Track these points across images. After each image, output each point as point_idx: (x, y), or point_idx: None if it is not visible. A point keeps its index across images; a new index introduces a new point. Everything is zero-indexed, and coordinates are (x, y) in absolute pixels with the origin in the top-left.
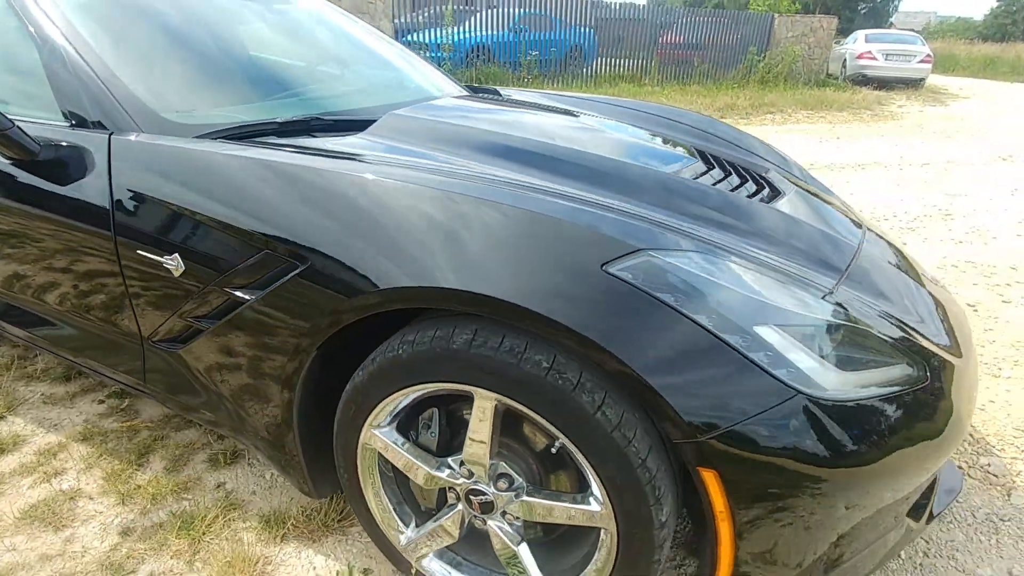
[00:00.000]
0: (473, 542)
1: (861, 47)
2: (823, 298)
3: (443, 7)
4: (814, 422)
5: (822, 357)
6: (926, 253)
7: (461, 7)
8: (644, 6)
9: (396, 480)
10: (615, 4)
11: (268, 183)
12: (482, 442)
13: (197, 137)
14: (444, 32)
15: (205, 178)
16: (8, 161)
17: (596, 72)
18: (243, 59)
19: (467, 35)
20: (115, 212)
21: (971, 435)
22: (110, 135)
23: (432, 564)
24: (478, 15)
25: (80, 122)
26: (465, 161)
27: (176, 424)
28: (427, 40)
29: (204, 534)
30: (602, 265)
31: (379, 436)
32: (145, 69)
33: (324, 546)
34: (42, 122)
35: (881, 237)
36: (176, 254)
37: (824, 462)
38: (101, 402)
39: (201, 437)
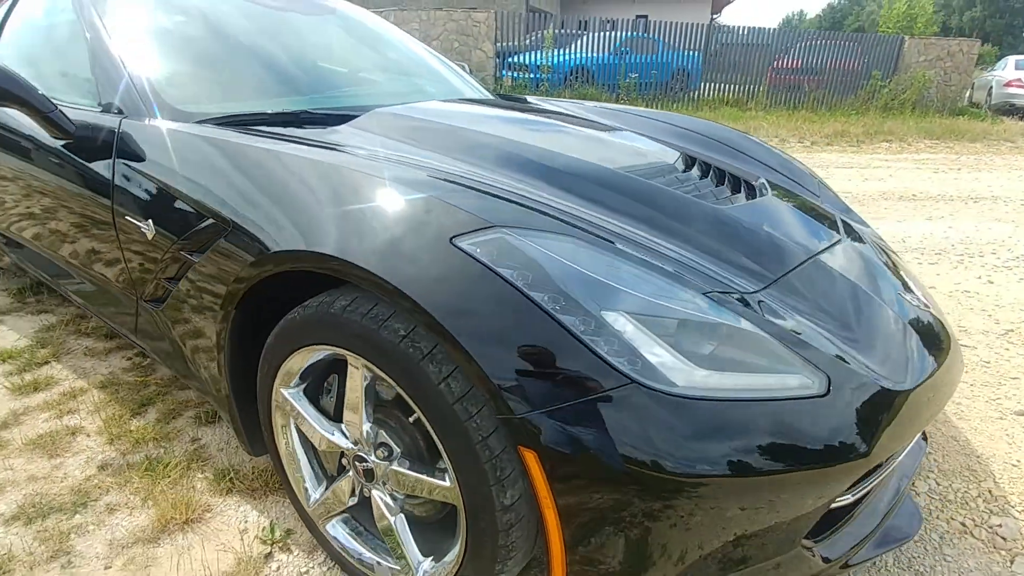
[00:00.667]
0: (371, 512)
1: (1010, 74)
2: (706, 295)
3: (544, 31)
4: (649, 415)
5: (682, 352)
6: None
7: (570, 30)
8: (767, 29)
9: (307, 443)
10: (739, 28)
11: (210, 158)
12: (355, 407)
13: (196, 123)
14: (543, 54)
15: (169, 154)
16: (61, 136)
17: (700, 96)
18: (257, 61)
19: (568, 57)
20: (113, 183)
21: (991, 491)
22: (121, 119)
23: (335, 529)
24: (584, 38)
25: (107, 108)
26: (413, 149)
27: (181, 384)
28: (527, 61)
29: (164, 478)
30: (451, 238)
31: (287, 397)
32: (170, 68)
33: (262, 503)
34: (84, 108)
35: (881, 254)
36: (149, 219)
37: (660, 459)
38: (129, 359)
39: (197, 397)
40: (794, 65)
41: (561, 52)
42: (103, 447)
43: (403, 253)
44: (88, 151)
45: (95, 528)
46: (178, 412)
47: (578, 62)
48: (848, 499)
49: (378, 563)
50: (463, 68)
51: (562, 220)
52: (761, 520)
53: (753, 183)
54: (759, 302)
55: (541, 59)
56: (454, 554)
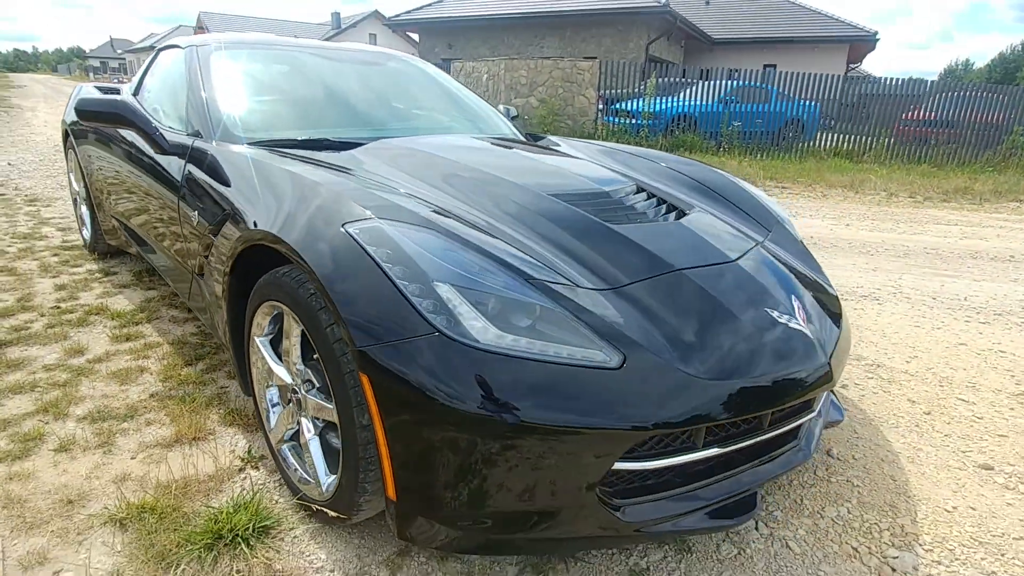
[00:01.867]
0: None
1: None
2: (529, 281)
3: (648, 79)
4: (449, 360)
5: (489, 317)
6: None
7: (689, 79)
8: (900, 80)
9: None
10: (872, 79)
11: (237, 167)
12: (290, 351)
13: (245, 144)
14: (646, 102)
15: (213, 163)
16: (156, 151)
17: (813, 147)
18: (304, 100)
19: (672, 104)
20: (181, 183)
21: (904, 527)
22: (195, 139)
23: (284, 452)
24: (695, 86)
25: (190, 132)
26: (384, 167)
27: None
28: (631, 108)
29: (190, 408)
30: (343, 224)
31: (258, 343)
32: (237, 105)
33: (251, 436)
34: (177, 131)
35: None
36: (196, 211)
37: (456, 396)
38: (198, 326)
39: None
40: (925, 117)
41: (665, 100)
42: (158, 383)
43: (313, 234)
44: (173, 161)
45: (133, 432)
46: (218, 367)
47: (681, 110)
48: (652, 465)
49: (306, 479)
50: (506, 111)
51: (443, 216)
52: (550, 463)
53: (686, 211)
54: (595, 294)
55: (643, 106)
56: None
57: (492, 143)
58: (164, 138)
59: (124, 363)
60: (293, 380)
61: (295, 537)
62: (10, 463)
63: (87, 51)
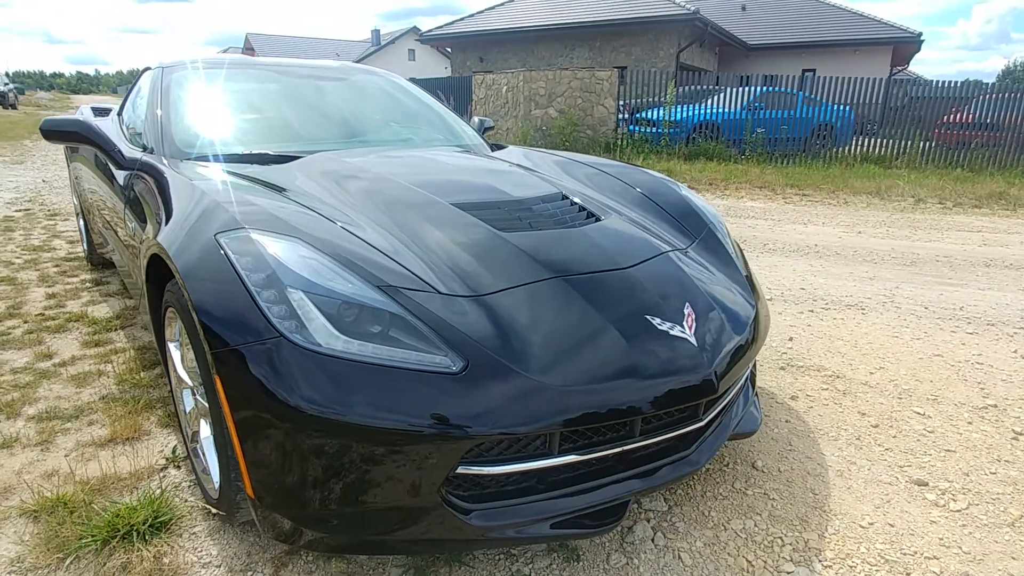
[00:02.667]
0: None
1: None
2: (384, 288)
3: (668, 88)
4: (292, 363)
5: (333, 323)
6: None
7: (710, 86)
8: (943, 82)
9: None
10: (938, 82)
11: (161, 179)
12: (183, 354)
13: (185, 160)
14: (667, 110)
15: (150, 176)
16: (114, 166)
17: (843, 153)
18: (260, 116)
19: (693, 112)
20: (126, 194)
21: (808, 542)
22: (144, 154)
23: (197, 450)
24: (722, 93)
25: (143, 148)
26: (309, 182)
27: None
28: (652, 116)
29: (132, 410)
30: (215, 233)
31: (170, 348)
32: (185, 124)
33: (181, 436)
34: (135, 149)
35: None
36: (132, 223)
37: (297, 396)
38: None
39: None
40: (967, 120)
41: (687, 108)
42: (112, 386)
43: (188, 242)
44: (126, 174)
45: (74, 432)
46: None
47: (705, 117)
48: (500, 470)
49: (207, 478)
50: (480, 122)
51: (327, 225)
52: (393, 466)
53: (601, 217)
54: (457, 300)
55: (664, 115)
56: None
57: (431, 155)
58: (121, 154)
59: (87, 367)
60: (192, 382)
61: (194, 534)
62: None
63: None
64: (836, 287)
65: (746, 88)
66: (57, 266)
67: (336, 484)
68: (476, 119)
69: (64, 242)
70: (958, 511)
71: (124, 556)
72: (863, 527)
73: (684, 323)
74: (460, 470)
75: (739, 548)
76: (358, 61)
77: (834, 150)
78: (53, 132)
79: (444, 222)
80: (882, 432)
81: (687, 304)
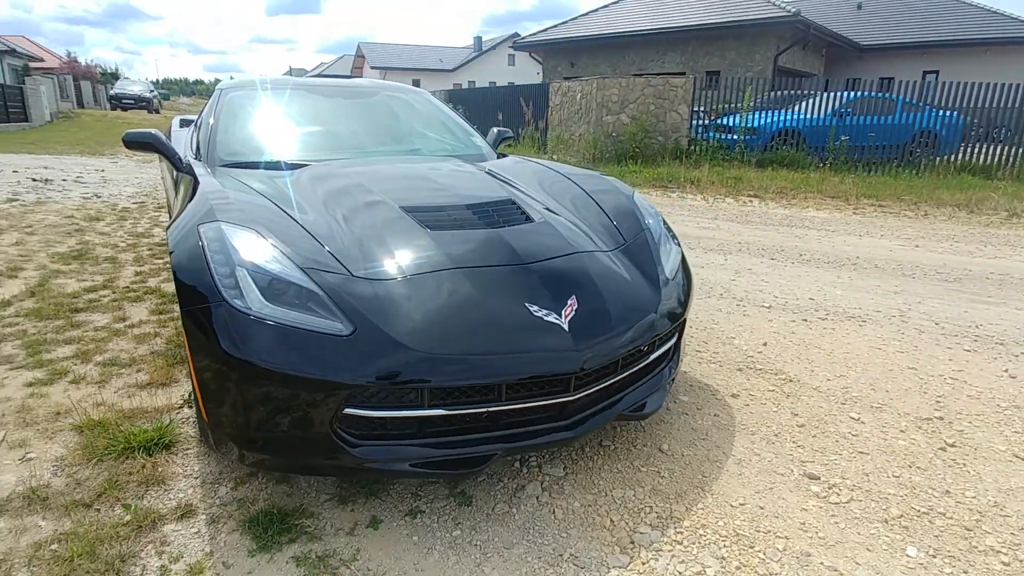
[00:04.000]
0: None
1: None
2: (308, 269)
3: (745, 93)
4: (230, 321)
5: (263, 293)
6: None
7: (794, 91)
8: None
9: None
10: None
11: (193, 180)
12: None
13: (219, 166)
14: (743, 116)
15: (189, 179)
16: (175, 169)
17: (943, 162)
18: (287, 129)
19: (774, 119)
20: (177, 191)
21: (676, 512)
22: (192, 160)
23: None
24: (806, 100)
25: (196, 155)
26: (302, 184)
27: None
28: (730, 123)
29: (170, 363)
30: (198, 224)
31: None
32: (228, 135)
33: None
34: (191, 154)
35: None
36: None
37: (231, 347)
38: None
39: None
40: None
41: (768, 114)
42: (161, 344)
43: (178, 230)
44: (179, 176)
45: (124, 376)
46: None
47: (787, 124)
48: (378, 414)
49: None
50: (498, 132)
51: (285, 220)
52: (298, 403)
53: (534, 218)
54: (365, 282)
55: (740, 121)
56: None
57: (416, 165)
58: (179, 159)
59: (148, 329)
60: None
61: (186, 453)
62: (38, 387)
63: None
64: (849, 299)
65: (838, 93)
66: (150, 250)
67: (260, 415)
68: (495, 129)
69: (162, 230)
70: (836, 503)
71: (132, 463)
72: (732, 506)
73: (562, 312)
74: (348, 411)
75: (609, 511)
76: (459, 67)
77: (940, 159)
78: (132, 142)
79: (386, 221)
80: (804, 432)
81: (572, 297)
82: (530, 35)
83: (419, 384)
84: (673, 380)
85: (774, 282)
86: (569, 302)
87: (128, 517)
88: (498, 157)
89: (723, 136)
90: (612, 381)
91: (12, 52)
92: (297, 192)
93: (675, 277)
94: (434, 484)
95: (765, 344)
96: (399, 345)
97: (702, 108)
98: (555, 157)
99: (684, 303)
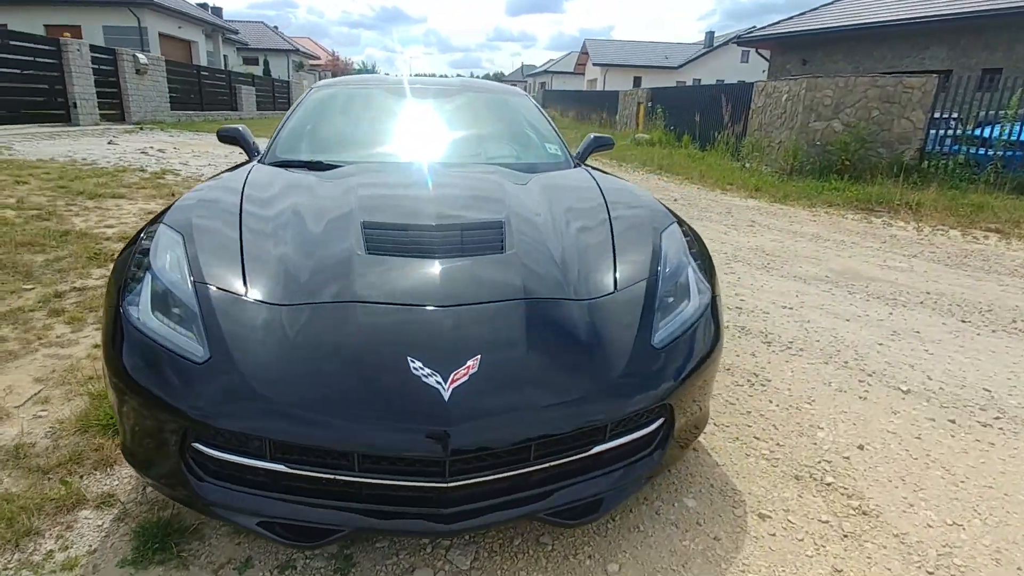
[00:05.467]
0: None
1: None
2: (196, 284)
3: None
4: (118, 328)
5: (151, 305)
6: None
7: None
8: None
9: None
10: None
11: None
12: None
13: (270, 163)
14: (1004, 127)
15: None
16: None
17: None
18: (341, 130)
19: None
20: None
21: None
22: (259, 156)
23: None
24: None
25: (260, 156)
26: (324, 184)
27: None
28: (987, 134)
29: None
30: (155, 221)
31: None
32: (287, 136)
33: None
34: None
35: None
36: None
37: (115, 350)
38: None
39: None
40: None
41: None
42: None
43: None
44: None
45: None
46: None
47: None
48: (220, 455)
49: None
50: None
51: (225, 224)
52: (150, 423)
53: (503, 251)
54: (255, 305)
55: (1003, 133)
56: None
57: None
58: (256, 151)
59: None
60: None
61: None
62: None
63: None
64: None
65: None
66: None
67: (130, 428)
68: (591, 135)
69: None
70: None
71: (105, 439)
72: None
73: (450, 374)
74: (197, 445)
75: None
76: (685, 63)
77: None
78: (223, 136)
79: (333, 237)
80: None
81: (476, 357)
82: (758, 29)
83: (258, 434)
84: (651, 476)
85: (942, 356)
86: (468, 363)
87: (62, 492)
88: (578, 167)
89: (974, 151)
90: (520, 472)
91: (296, 51)
92: (279, 196)
93: (673, 344)
94: None
95: (862, 447)
96: (244, 384)
97: (951, 114)
98: (747, 166)
99: (679, 377)
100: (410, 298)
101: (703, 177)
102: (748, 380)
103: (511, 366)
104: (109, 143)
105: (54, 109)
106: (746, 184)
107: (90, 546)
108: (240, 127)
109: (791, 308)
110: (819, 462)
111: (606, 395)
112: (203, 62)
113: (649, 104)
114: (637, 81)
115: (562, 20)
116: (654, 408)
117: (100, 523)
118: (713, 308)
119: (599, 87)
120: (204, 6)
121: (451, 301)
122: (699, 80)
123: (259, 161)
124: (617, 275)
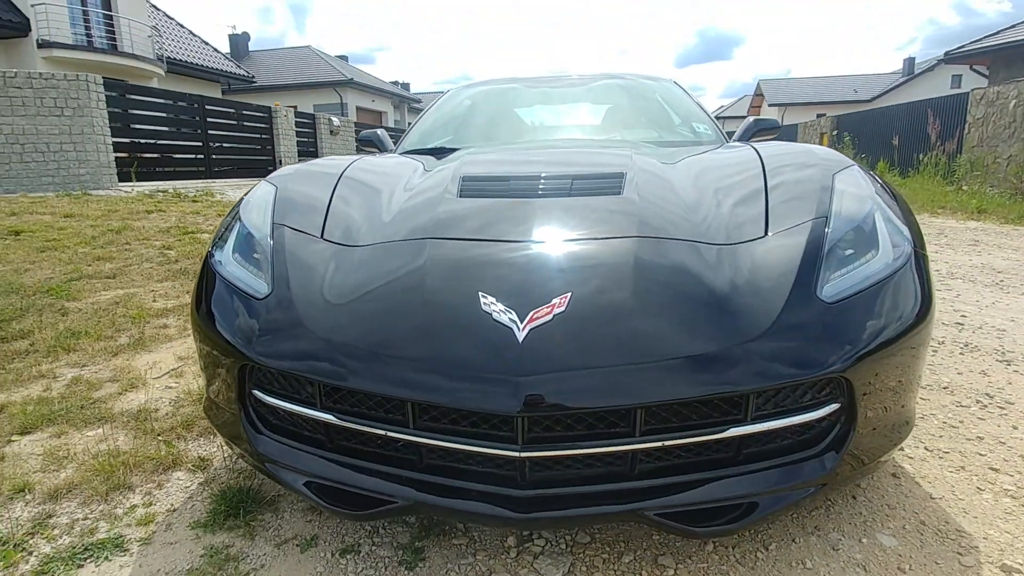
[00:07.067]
0: None
1: None
2: (276, 225)
3: None
4: (206, 273)
5: (234, 250)
6: None
7: None
8: None
9: None
10: None
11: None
12: None
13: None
14: None
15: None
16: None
17: None
18: (467, 121)
19: None
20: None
21: None
22: (392, 151)
23: None
24: None
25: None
26: (438, 165)
27: None
28: None
29: None
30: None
31: None
32: (414, 131)
33: None
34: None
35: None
36: None
37: (199, 297)
38: None
39: None
40: None
41: None
42: None
43: None
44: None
45: None
46: None
47: None
48: (277, 404)
49: None
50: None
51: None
52: (222, 367)
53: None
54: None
55: None
56: None
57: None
58: (388, 150)
59: None
60: None
61: None
62: None
63: None
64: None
65: None
66: None
67: (207, 376)
68: (750, 118)
69: None
70: None
71: None
72: None
73: (528, 312)
74: (256, 392)
75: None
76: (880, 95)
77: None
78: (362, 140)
79: (427, 189)
80: None
81: (567, 295)
82: (973, 42)
83: (305, 374)
84: (823, 485)
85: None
86: (556, 300)
87: (162, 453)
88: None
89: None
90: (622, 448)
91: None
92: (386, 168)
93: (850, 300)
94: (397, 524)
95: None
96: (298, 321)
97: None
98: (965, 188)
99: (861, 346)
100: (495, 234)
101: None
102: (978, 401)
103: (612, 309)
104: None
105: (265, 166)
106: (964, 206)
107: (172, 505)
108: (379, 131)
109: None
110: None
111: (745, 353)
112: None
113: (834, 133)
114: None
115: (732, 67)
116: (823, 384)
117: (188, 485)
118: (918, 267)
119: None
120: (396, 83)
121: (543, 237)
122: None
123: (391, 153)
124: (769, 218)
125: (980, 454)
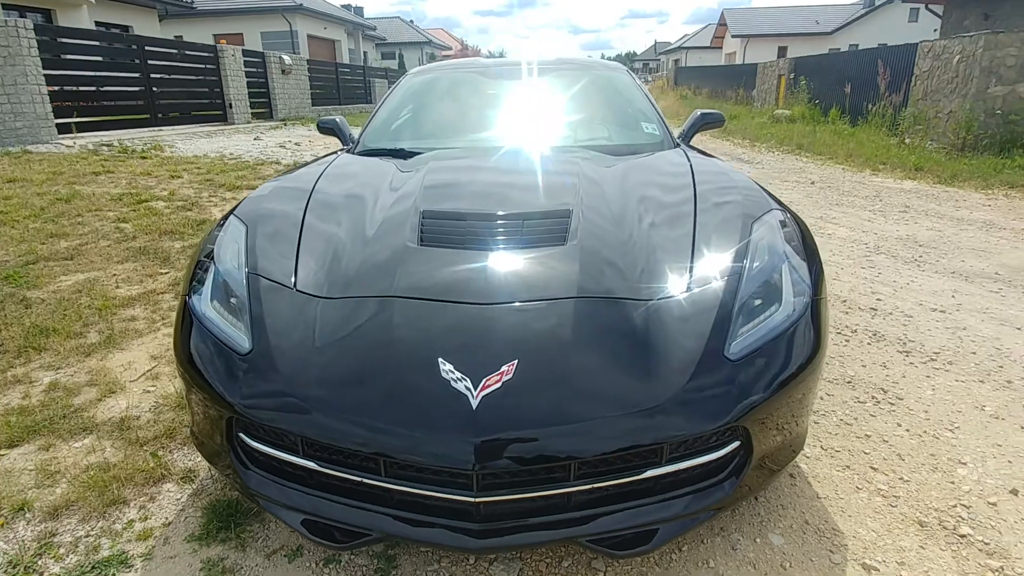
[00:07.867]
0: None
1: None
2: (250, 275)
3: None
4: (184, 315)
5: (210, 294)
6: None
7: None
8: None
9: None
10: None
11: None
12: None
13: (356, 152)
14: None
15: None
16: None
17: None
18: (423, 119)
19: None
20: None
21: None
22: (343, 149)
23: None
24: None
25: (351, 146)
26: (399, 172)
27: None
28: None
29: None
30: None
31: None
32: (375, 127)
33: None
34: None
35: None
36: None
37: (181, 340)
38: None
39: None
40: None
41: None
42: None
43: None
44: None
45: None
46: None
47: None
48: (260, 447)
49: None
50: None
51: (291, 215)
52: (207, 407)
53: (563, 242)
54: (298, 295)
55: None
56: None
57: (524, 158)
58: (349, 139)
59: None
60: None
61: None
62: None
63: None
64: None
65: None
66: None
67: (192, 414)
68: (698, 111)
69: None
70: None
71: None
72: None
73: (481, 380)
74: (242, 435)
75: None
76: (840, 28)
77: None
78: (323, 128)
79: (391, 227)
80: None
81: (513, 361)
82: None
83: (287, 430)
84: (721, 509)
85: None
86: (503, 368)
87: (151, 465)
88: (676, 147)
89: None
90: (558, 492)
91: (428, 43)
92: (352, 187)
93: (753, 355)
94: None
95: (1015, 492)
96: (279, 379)
97: None
98: (907, 142)
99: (759, 395)
100: (453, 294)
101: (850, 156)
102: (873, 397)
103: (551, 374)
104: (255, 139)
105: (214, 110)
106: (904, 163)
107: (166, 519)
108: (338, 118)
109: (943, 311)
110: (954, 506)
111: (660, 413)
112: (345, 58)
113: (791, 76)
114: (782, 52)
115: None
116: (726, 430)
117: (179, 497)
118: (813, 314)
119: (738, 61)
120: (348, 7)
121: (496, 298)
122: (856, 46)
123: (347, 151)
124: (692, 272)
125: (865, 452)
